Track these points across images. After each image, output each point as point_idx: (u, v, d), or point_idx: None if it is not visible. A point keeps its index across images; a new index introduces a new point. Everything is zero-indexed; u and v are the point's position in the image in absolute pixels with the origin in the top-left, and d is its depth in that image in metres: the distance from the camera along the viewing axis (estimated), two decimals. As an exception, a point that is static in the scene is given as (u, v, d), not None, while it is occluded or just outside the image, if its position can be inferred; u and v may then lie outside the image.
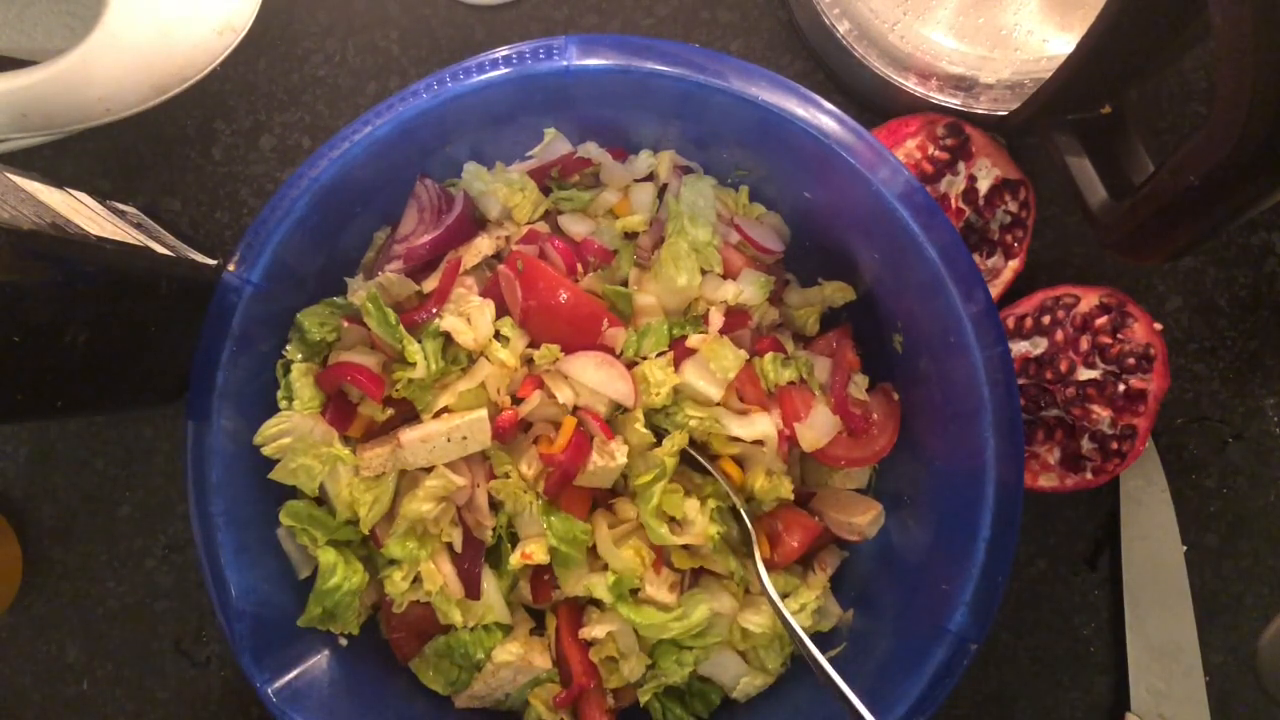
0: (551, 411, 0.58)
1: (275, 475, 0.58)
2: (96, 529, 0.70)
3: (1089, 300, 0.64)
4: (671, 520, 0.58)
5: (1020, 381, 0.65)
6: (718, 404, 0.59)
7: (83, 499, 0.70)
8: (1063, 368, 0.64)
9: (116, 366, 0.53)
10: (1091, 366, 0.64)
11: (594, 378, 0.57)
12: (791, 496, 0.60)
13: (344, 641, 0.59)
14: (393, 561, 0.59)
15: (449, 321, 0.57)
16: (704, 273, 0.60)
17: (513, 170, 0.62)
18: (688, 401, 0.58)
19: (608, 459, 0.56)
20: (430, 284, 0.59)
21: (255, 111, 0.71)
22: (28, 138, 0.66)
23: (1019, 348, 0.65)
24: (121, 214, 0.62)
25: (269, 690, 0.54)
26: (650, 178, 0.63)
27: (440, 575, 0.58)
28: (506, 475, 0.58)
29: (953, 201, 0.65)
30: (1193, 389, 0.70)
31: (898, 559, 0.60)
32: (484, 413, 0.56)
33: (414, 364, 0.56)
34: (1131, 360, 0.63)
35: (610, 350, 0.59)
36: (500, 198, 0.61)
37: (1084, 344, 0.64)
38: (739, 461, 0.60)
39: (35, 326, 0.46)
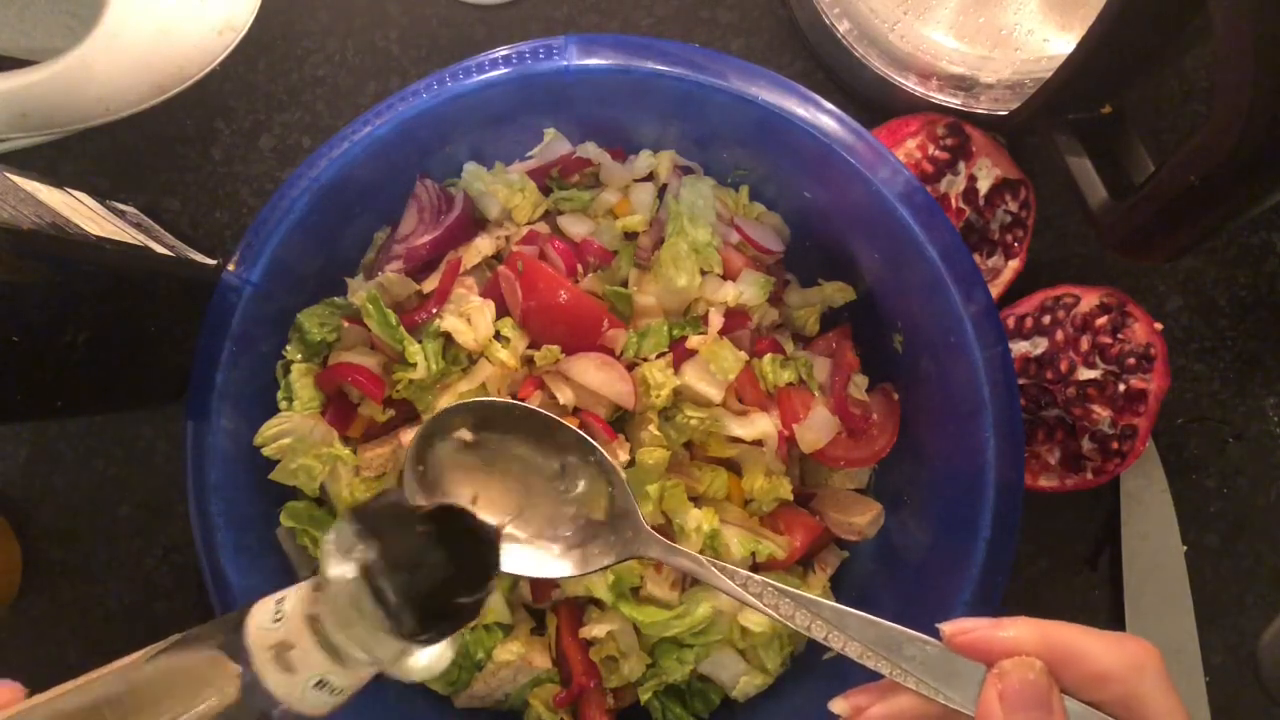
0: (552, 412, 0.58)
1: (275, 476, 0.58)
2: (96, 529, 0.70)
3: (1089, 300, 0.64)
4: (667, 526, 0.58)
5: (1020, 381, 0.65)
6: (718, 405, 0.59)
7: (83, 499, 0.70)
8: (1063, 368, 0.64)
9: (116, 366, 0.53)
10: (1091, 366, 0.64)
11: (594, 379, 0.57)
12: (791, 497, 0.60)
13: (344, 641, 0.59)
14: (393, 561, 0.58)
15: (449, 322, 0.57)
16: (704, 273, 0.60)
17: (513, 170, 0.62)
18: (687, 403, 0.58)
19: (610, 457, 0.56)
20: (430, 284, 0.59)
21: (255, 111, 0.71)
22: (28, 138, 0.66)
23: (1019, 348, 0.65)
24: (121, 214, 0.62)
25: (269, 690, 0.54)
26: (650, 178, 0.63)
27: (440, 575, 0.58)
28: (507, 475, 0.58)
29: (953, 201, 0.65)
30: (1193, 389, 0.70)
31: (898, 559, 0.60)
32: (484, 413, 0.56)
33: (414, 365, 0.56)
34: (1131, 360, 0.63)
35: (610, 351, 0.59)
36: (500, 198, 0.61)
37: (1084, 344, 0.64)
38: (738, 462, 0.60)
39: (35, 326, 0.46)
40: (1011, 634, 0.35)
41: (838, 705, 0.39)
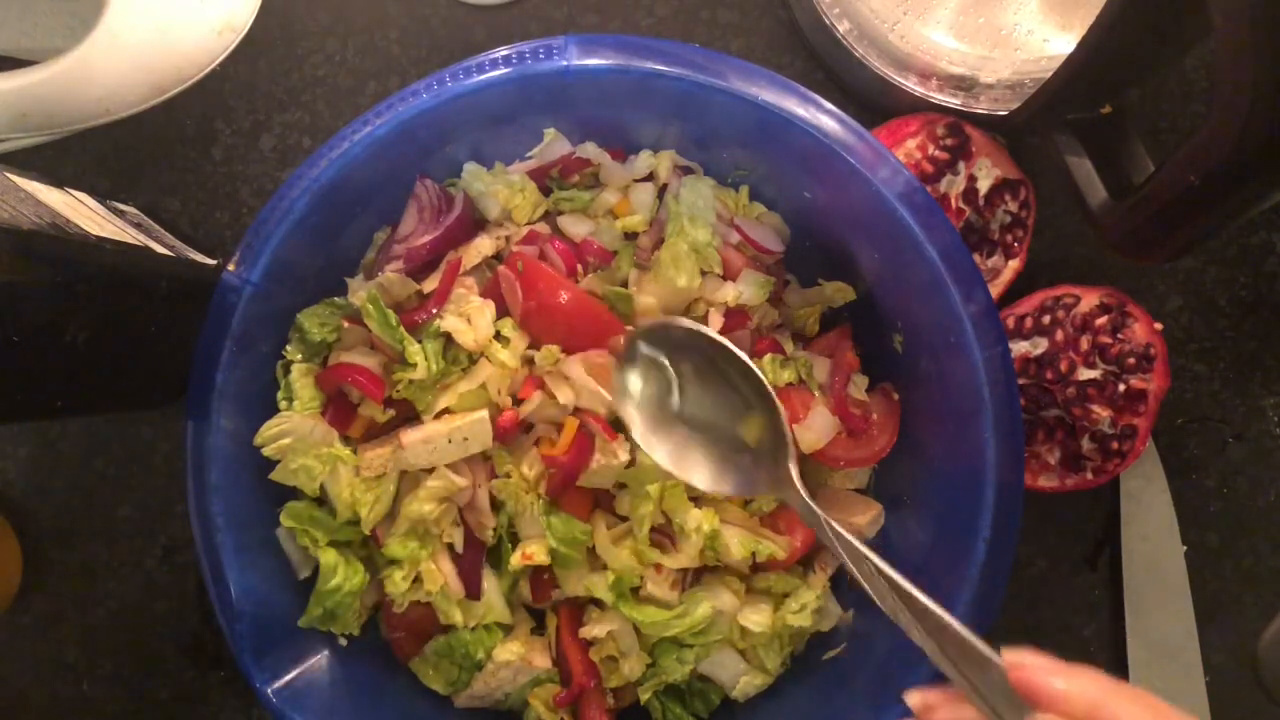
0: (552, 412, 0.58)
1: (275, 476, 0.58)
2: (96, 529, 0.70)
3: (1089, 300, 0.64)
4: (667, 526, 0.58)
5: (1020, 381, 0.65)
6: (718, 404, 0.59)
7: (83, 499, 0.70)
8: (1063, 368, 0.64)
9: (116, 366, 0.53)
10: (1091, 366, 0.64)
11: (595, 379, 0.57)
12: (791, 497, 0.60)
13: (344, 641, 0.59)
14: (393, 561, 0.59)
15: (449, 322, 0.57)
16: (704, 273, 0.60)
17: (513, 171, 0.62)
18: (688, 402, 0.58)
19: (610, 457, 0.56)
20: (430, 284, 0.59)
21: (255, 111, 0.71)
22: (28, 138, 0.66)
23: (1019, 348, 0.65)
24: (121, 214, 0.62)
25: (269, 690, 0.54)
26: (650, 178, 0.63)
27: (441, 575, 0.58)
28: (508, 476, 0.58)
29: (953, 201, 0.65)
30: (1193, 389, 0.70)
31: (898, 559, 0.60)
32: (485, 414, 0.56)
33: (414, 365, 0.56)
34: (1131, 360, 0.63)
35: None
36: (500, 198, 0.61)
37: (1084, 344, 0.64)
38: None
39: (35, 326, 0.46)
40: (1061, 687, 0.33)
41: (912, 697, 0.40)
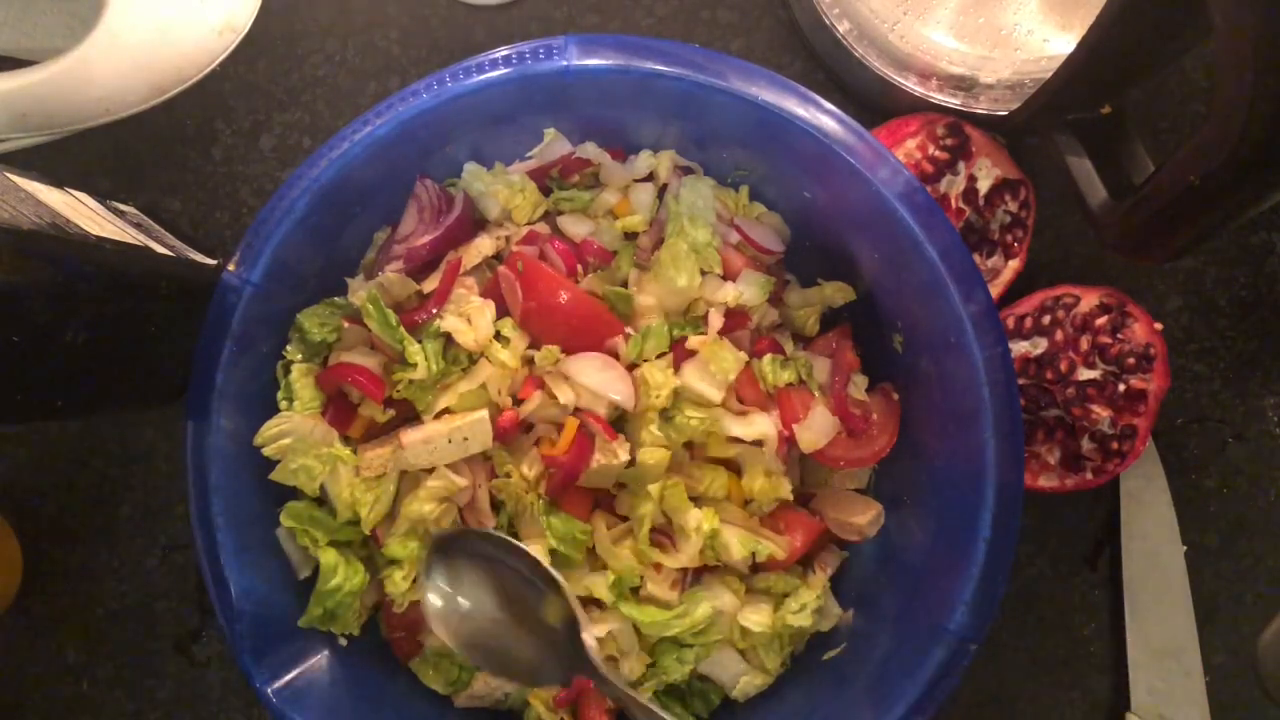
0: (552, 412, 0.58)
1: (275, 476, 0.58)
2: (96, 529, 0.70)
3: (1089, 300, 0.64)
4: (667, 526, 0.58)
5: (1020, 381, 0.65)
6: (717, 405, 0.59)
7: (83, 499, 0.70)
8: (1063, 368, 0.64)
9: (116, 366, 0.53)
10: (1091, 366, 0.64)
11: (595, 380, 0.57)
12: (790, 497, 0.60)
13: (344, 641, 0.59)
14: (393, 561, 0.59)
15: (449, 322, 0.57)
16: (704, 273, 0.60)
17: (513, 171, 0.62)
18: (687, 403, 0.58)
19: (610, 457, 0.56)
20: (430, 284, 0.59)
21: (255, 111, 0.71)
22: (28, 138, 0.66)
23: (1019, 348, 0.65)
24: (121, 214, 0.62)
25: (269, 690, 0.54)
26: (650, 178, 0.63)
27: (440, 575, 0.58)
28: (508, 476, 0.58)
29: (953, 201, 0.65)
30: (1193, 389, 0.70)
31: (898, 559, 0.60)
32: (485, 414, 0.56)
33: (415, 365, 0.56)
34: (1131, 360, 0.63)
35: (612, 352, 0.59)
36: (500, 198, 0.61)
37: (1084, 344, 0.64)
38: (738, 462, 0.60)
39: (35, 326, 0.46)
40: None
41: None
